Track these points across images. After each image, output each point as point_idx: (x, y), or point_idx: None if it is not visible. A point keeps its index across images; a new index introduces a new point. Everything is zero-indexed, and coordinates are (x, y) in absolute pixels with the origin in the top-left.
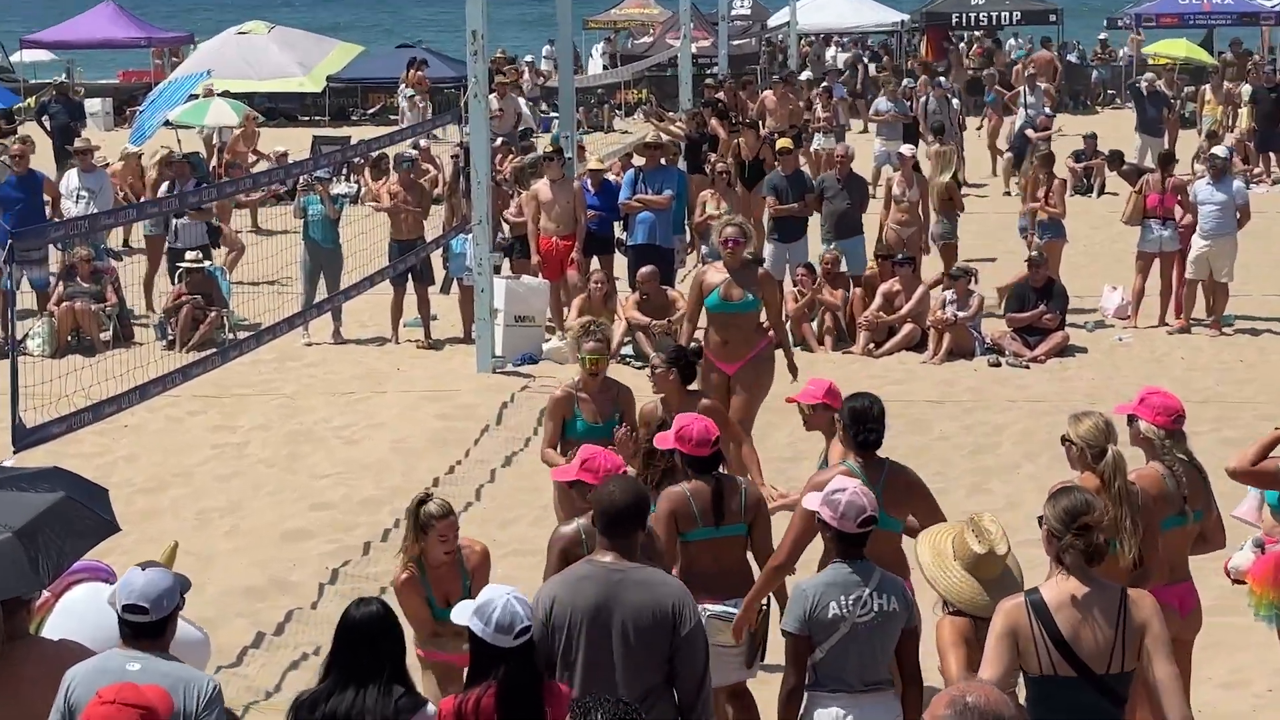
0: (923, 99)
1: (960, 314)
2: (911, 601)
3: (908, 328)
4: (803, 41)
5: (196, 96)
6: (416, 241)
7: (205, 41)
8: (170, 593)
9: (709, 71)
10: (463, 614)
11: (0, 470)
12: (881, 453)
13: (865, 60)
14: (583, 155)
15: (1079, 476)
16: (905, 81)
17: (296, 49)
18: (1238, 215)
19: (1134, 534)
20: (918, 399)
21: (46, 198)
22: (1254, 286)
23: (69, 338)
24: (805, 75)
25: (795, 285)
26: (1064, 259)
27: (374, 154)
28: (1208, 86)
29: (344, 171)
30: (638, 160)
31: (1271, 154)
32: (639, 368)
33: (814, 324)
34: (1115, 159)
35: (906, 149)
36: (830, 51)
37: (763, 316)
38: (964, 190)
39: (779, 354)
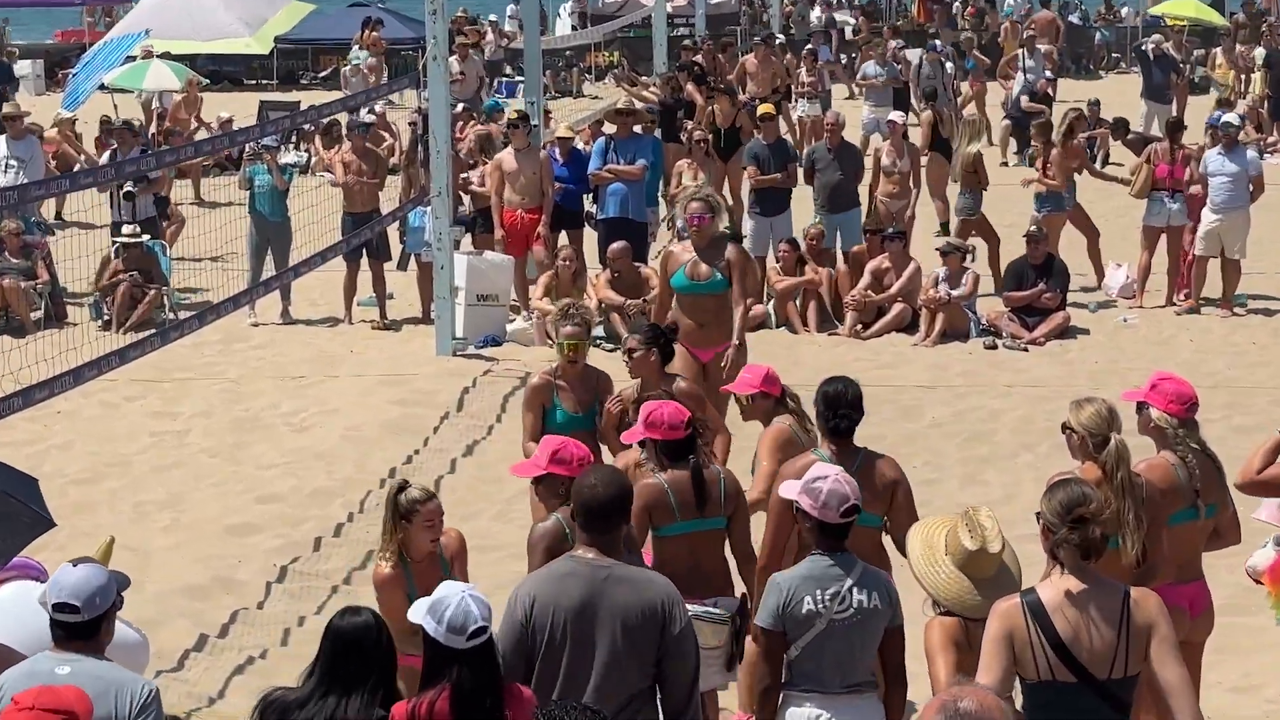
0: (914, 63)
1: (954, 293)
2: (897, 597)
3: (898, 307)
4: (785, 1)
5: (135, 58)
6: (372, 214)
7: None
8: (104, 591)
9: (685, 32)
10: (417, 612)
11: None
12: (869, 442)
13: (838, 24)
14: (549, 122)
15: (1080, 467)
16: (894, 43)
17: (242, 7)
18: (1250, 187)
19: (1137, 529)
20: (908, 383)
21: None
22: (1268, 263)
23: None
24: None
25: (778, 262)
26: (1065, 234)
27: (325, 120)
28: (1219, 50)
29: (293, 139)
30: (609, 128)
31: None
32: (611, 350)
33: (798, 303)
34: (1120, 127)
35: (896, 116)
36: (815, 12)
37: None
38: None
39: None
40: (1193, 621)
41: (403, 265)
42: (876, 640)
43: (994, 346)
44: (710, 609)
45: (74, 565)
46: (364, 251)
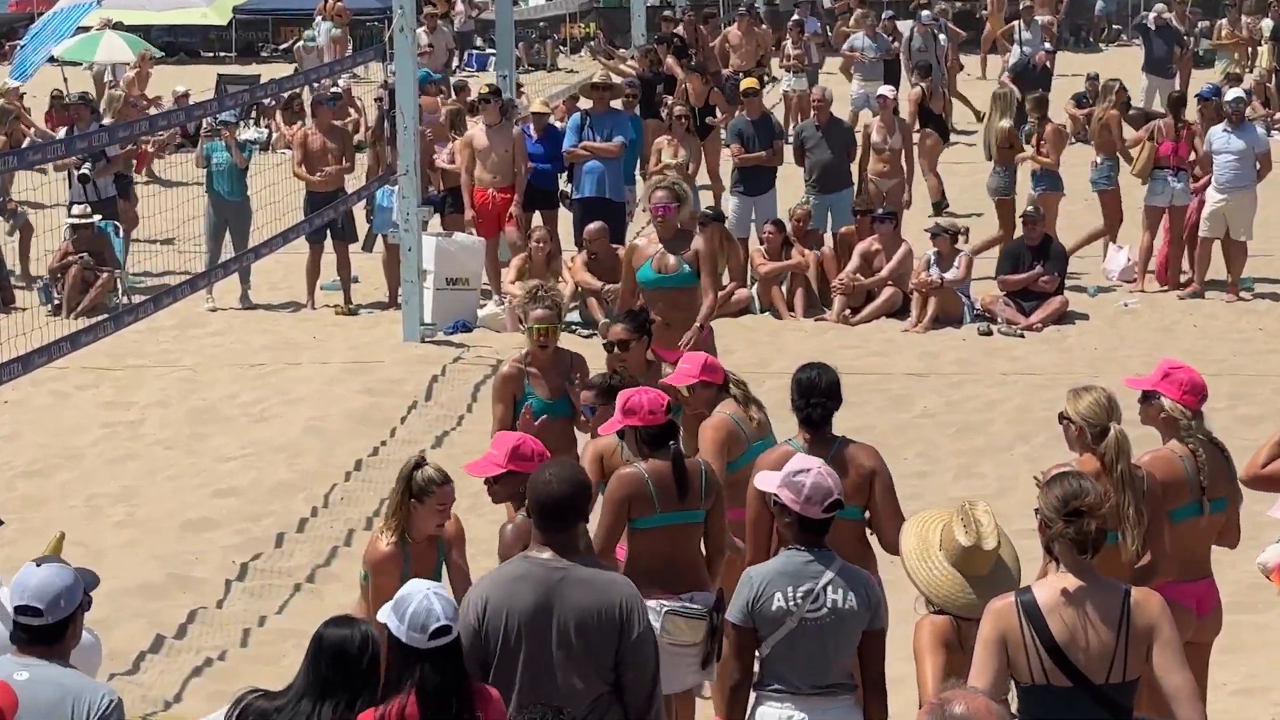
0: (905, 35)
1: (946, 276)
2: (878, 599)
3: (888, 291)
4: None
5: (87, 29)
6: (336, 194)
7: None
8: (69, 592)
9: (665, 3)
10: (383, 612)
11: None
12: (857, 433)
13: None
14: (521, 97)
15: (1077, 458)
16: (886, 14)
17: None
18: (1257, 166)
19: (1138, 524)
20: (898, 371)
21: None
22: (1275, 245)
23: None
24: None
25: (762, 244)
26: (1062, 214)
27: (286, 94)
28: (1224, 21)
29: (253, 114)
30: (584, 103)
31: None
32: (588, 335)
33: (783, 287)
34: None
35: (887, 90)
36: None
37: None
38: (951, 139)
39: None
40: (1200, 621)
41: (368, 246)
42: (853, 643)
43: (989, 332)
44: (687, 604)
45: (37, 565)
46: (328, 233)
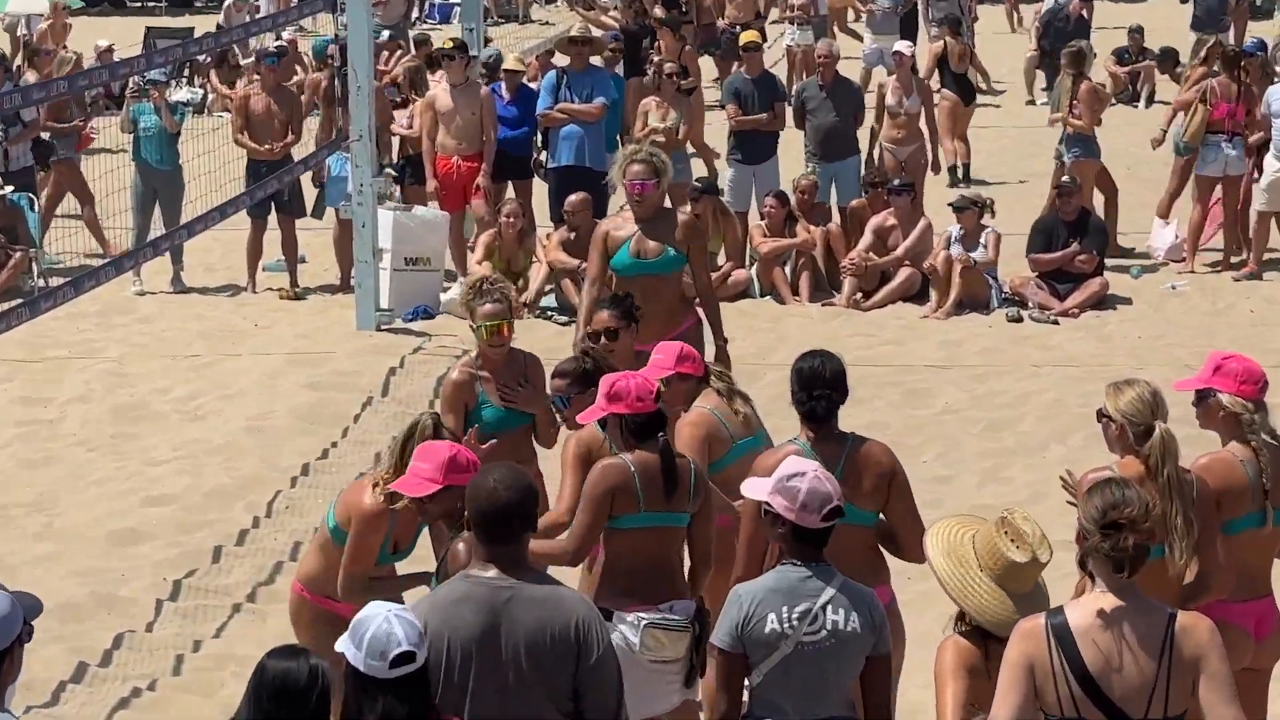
0: None
1: (972, 255)
2: (882, 620)
3: (905, 273)
4: None
5: None
6: (281, 163)
7: None
8: (7, 622)
9: None
10: (341, 640)
11: None
12: (871, 431)
13: None
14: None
15: (1118, 461)
16: None
17: None
18: None
19: (1187, 534)
20: (917, 362)
21: None
22: None
23: None
24: None
25: (763, 219)
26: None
27: (221, 50)
28: None
29: (185, 73)
30: (561, 59)
31: None
32: (566, 323)
33: (786, 268)
34: (1168, 59)
35: (903, 46)
36: None
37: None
38: (977, 100)
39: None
40: (1258, 645)
41: (318, 212)
42: (855, 669)
43: (1019, 319)
44: (668, 615)
45: None
46: (271, 206)
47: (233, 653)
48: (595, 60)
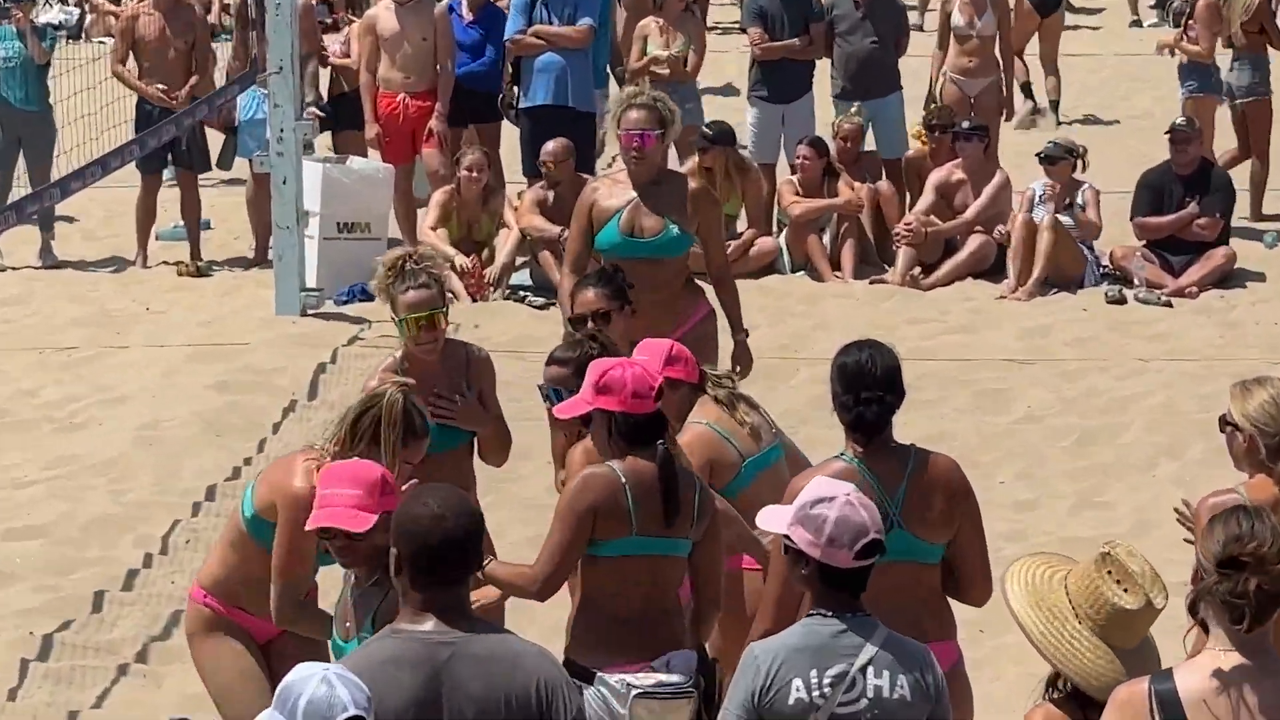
0: None
1: (1062, 219)
2: (939, 685)
3: (976, 242)
4: None
5: None
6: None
7: None
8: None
9: None
10: (264, 716)
11: None
12: (932, 443)
13: None
14: None
15: (1245, 481)
16: None
17: None
18: None
19: None
20: (991, 355)
21: None
22: None
23: None
24: None
25: (795, 174)
26: (1222, 129)
27: None
28: None
29: None
30: None
31: None
32: (543, 306)
33: (825, 236)
34: None
35: None
36: None
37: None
38: (1069, 20)
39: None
40: None
41: (225, 164)
42: None
43: (1121, 299)
44: (665, 678)
45: None
46: (167, 158)
47: None
48: None
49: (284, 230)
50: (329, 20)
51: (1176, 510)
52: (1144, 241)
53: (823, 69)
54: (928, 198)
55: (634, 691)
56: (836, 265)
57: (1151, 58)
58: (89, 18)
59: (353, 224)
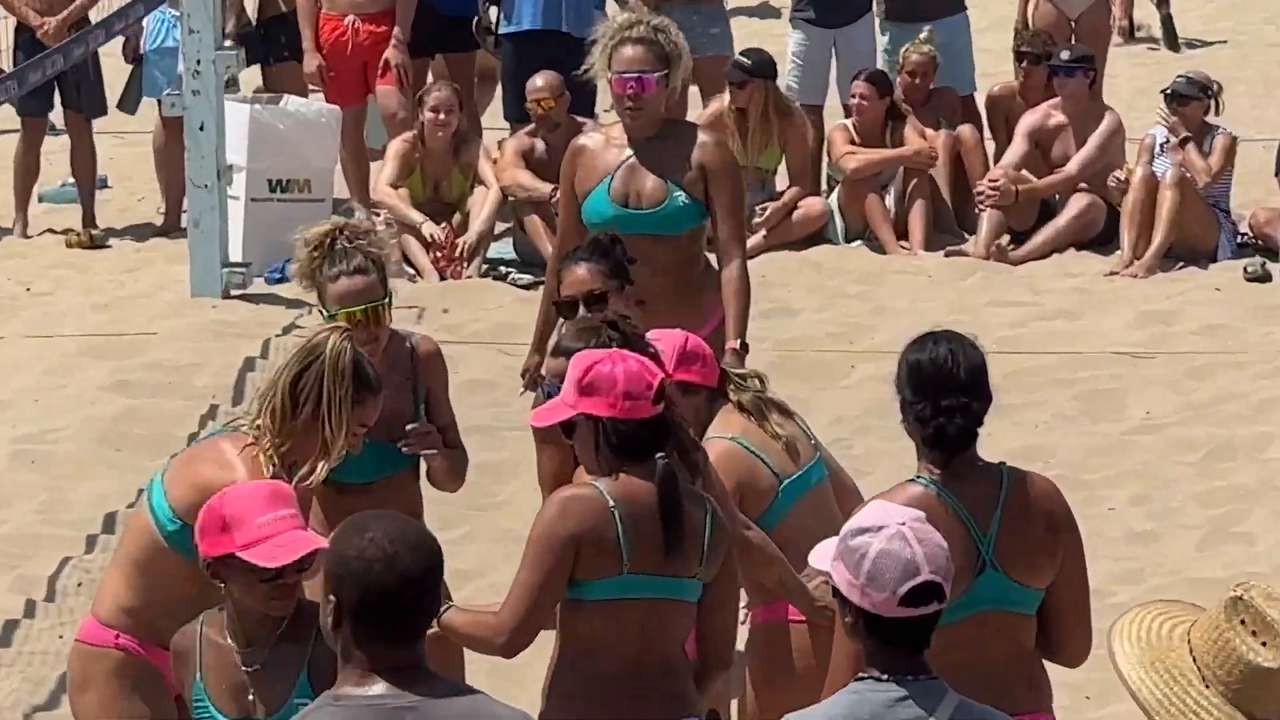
0: None
1: (1188, 175)
2: None
3: (1080, 203)
4: None
5: None
6: (70, 31)
7: None
8: None
9: None
10: None
11: None
12: (1024, 460)
13: None
14: None
15: None
16: None
17: None
18: None
19: None
20: (1099, 347)
21: None
22: None
23: None
24: None
25: (850, 117)
26: None
27: None
28: None
29: None
30: None
31: None
32: (528, 286)
33: (888, 196)
34: None
35: None
36: None
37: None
38: None
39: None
40: None
41: (128, 105)
42: None
43: (1264, 276)
44: None
45: None
46: (54, 99)
47: None
48: None
49: (201, 190)
50: None
51: None
52: None
53: None
54: (1019, 147)
55: None
56: (903, 233)
57: None
58: None
59: (288, 181)
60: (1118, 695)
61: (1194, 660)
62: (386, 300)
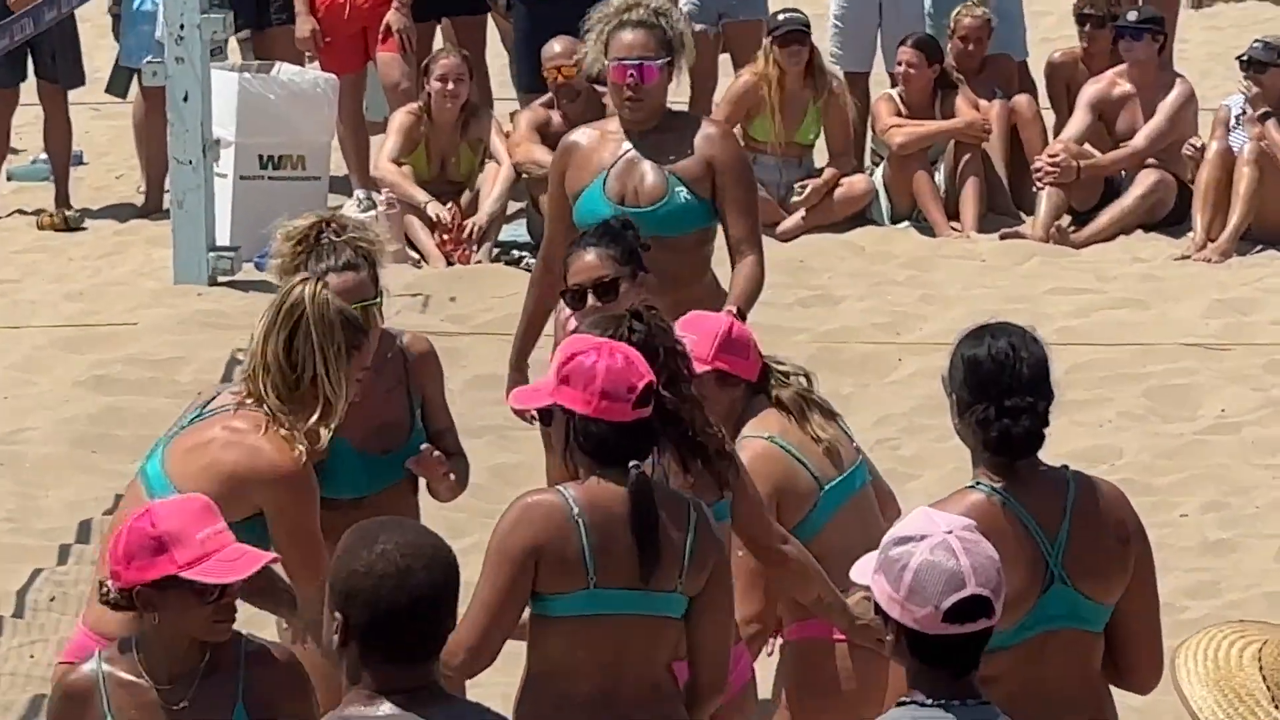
0: None
1: (1266, 148)
2: None
3: (1148, 179)
4: None
5: None
6: None
7: None
8: None
9: None
10: None
11: None
12: (1081, 459)
13: None
14: None
15: None
16: None
17: None
18: None
19: None
20: (1169, 339)
21: None
22: None
23: None
24: None
25: (897, 86)
26: None
27: None
28: None
29: None
30: None
31: None
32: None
33: (938, 173)
34: None
35: None
36: None
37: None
38: None
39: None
40: None
41: (117, 89)
42: None
43: None
44: None
45: None
46: (27, 68)
47: None
48: None
49: (185, 167)
50: None
51: None
52: None
53: None
54: (1081, 119)
55: None
56: (954, 214)
57: None
58: None
59: (280, 158)
60: None
61: (1264, 680)
62: (378, 300)
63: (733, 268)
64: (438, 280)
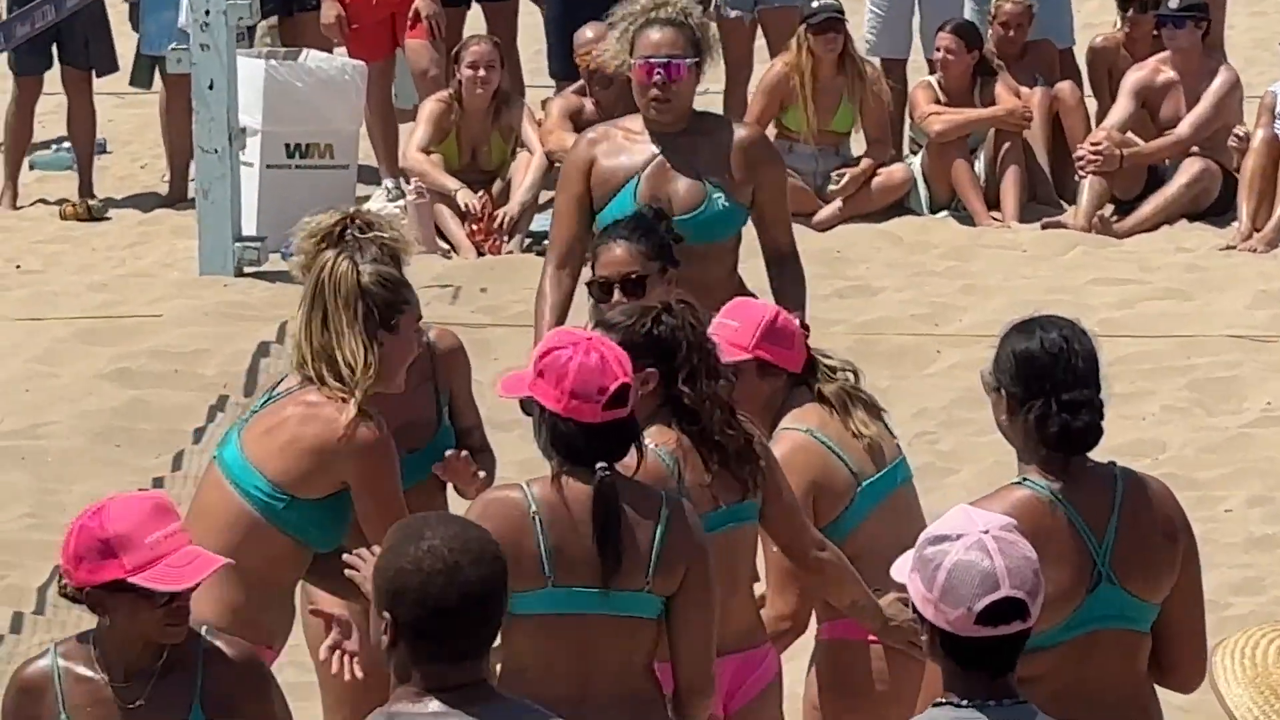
0: None
1: None
2: None
3: (1193, 168)
4: None
5: None
6: None
7: None
8: None
9: None
10: None
11: None
12: (1125, 453)
13: None
14: None
15: None
16: None
17: None
18: None
19: None
20: (1215, 331)
21: None
22: None
23: None
24: None
25: (935, 73)
26: None
27: None
28: None
29: None
30: None
31: None
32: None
33: (978, 162)
34: None
35: None
36: None
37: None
38: None
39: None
40: None
41: (140, 80)
42: None
43: None
44: None
45: None
46: (52, 55)
47: None
48: None
49: (210, 155)
50: None
51: None
52: None
53: None
54: (1124, 107)
55: None
56: (994, 203)
57: None
58: None
59: (308, 146)
60: None
61: None
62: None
63: (770, 274)
64: (468, 271)
